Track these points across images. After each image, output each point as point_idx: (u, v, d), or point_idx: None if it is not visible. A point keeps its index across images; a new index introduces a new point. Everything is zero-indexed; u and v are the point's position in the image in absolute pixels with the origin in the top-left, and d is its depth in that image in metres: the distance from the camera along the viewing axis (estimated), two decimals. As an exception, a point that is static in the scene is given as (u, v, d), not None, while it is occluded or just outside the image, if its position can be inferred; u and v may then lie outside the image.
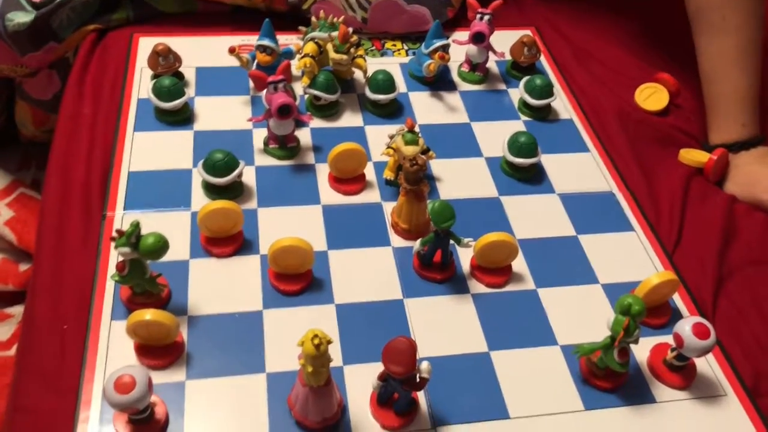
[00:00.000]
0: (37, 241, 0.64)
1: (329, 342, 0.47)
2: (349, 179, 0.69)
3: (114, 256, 0.60)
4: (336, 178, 0.69)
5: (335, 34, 0.75)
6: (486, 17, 0.80)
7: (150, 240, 0.53)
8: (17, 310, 0.97)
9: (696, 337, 0.54)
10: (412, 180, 0.62)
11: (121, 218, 0.64)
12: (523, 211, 0.70)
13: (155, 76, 0.76)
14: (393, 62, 0.86)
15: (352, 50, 0.75)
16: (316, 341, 0.47)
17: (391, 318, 0.59)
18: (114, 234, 0.53)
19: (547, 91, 0.79)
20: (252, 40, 0.86)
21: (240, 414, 0.52)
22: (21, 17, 0.82)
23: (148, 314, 0.51)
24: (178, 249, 0.62)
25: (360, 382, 0.54)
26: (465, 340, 0.58)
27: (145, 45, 0.83)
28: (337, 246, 0.64)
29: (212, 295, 0.59)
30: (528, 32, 0.92)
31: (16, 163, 1.17)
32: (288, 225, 0.65)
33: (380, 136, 0.74)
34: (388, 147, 0.69)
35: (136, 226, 0.53)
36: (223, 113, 0.75)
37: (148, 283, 0.56)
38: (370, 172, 0.71)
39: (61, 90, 1.01)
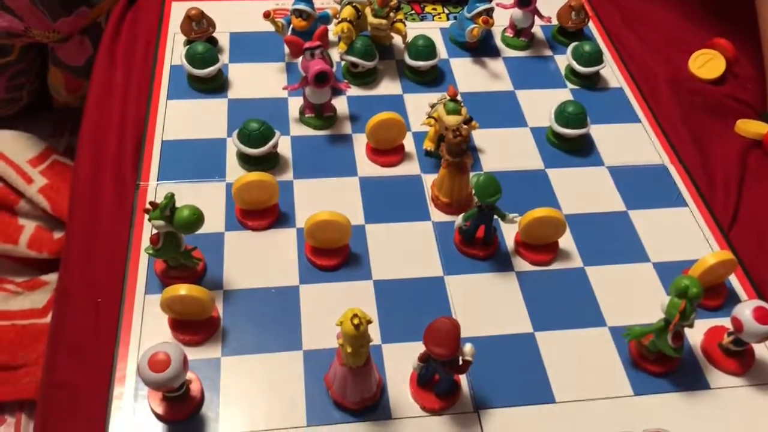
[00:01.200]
0: (70, 211, 0.63)
1: (369, 322, 0.45)
2: (387, 150, 0.67)
3: (148, 228, 0.59)
4: (374, 149, 0.67)
5: (374, -3, 0.71)
6: (533, -20, 0.76)
7: (185, 213, 0.51)
8: (52, 278, 0.97)
9: (757, 322, 0.51)
10: (455, 152, 0.59)
11: (155, 188, 0.62)
12: (571, 184, 0.67)
13: (188, 42, 0.74)
14: (433, 27, 0.82)
15: (391, 14, 0.72)
16: (356, 321, 0.45)
17: (431, 296, 0.57)
18: (148, 206, 0.51)
19: (596, 58, 0.75)
20: (287, 3, 0.83)
21: (276, 393, 0.50)
22: (52, -19, 0.80)
23: (183, 289, 0.50)
24: (213, 221, 0.60)
25: (399, 362, 0.53)
26: (508, 321, 0.56)
27: (178, 10, 0.80)
28: (374, 220, 0.62)
29: (248, 269, 0.58)
30: (575, -5, 0.88)
31: (49, 130, 1.16)
32: (324, 197, 0.63)
33: (420, 105, 0.71)
34: (429, 116, 0.66)
35: (170, 198, 0.51)
36: (258, 81, 0.73)
37: (182, 256, 0.54)
38: (409, 143, 0.68)
39: (93, 55, 1.00)
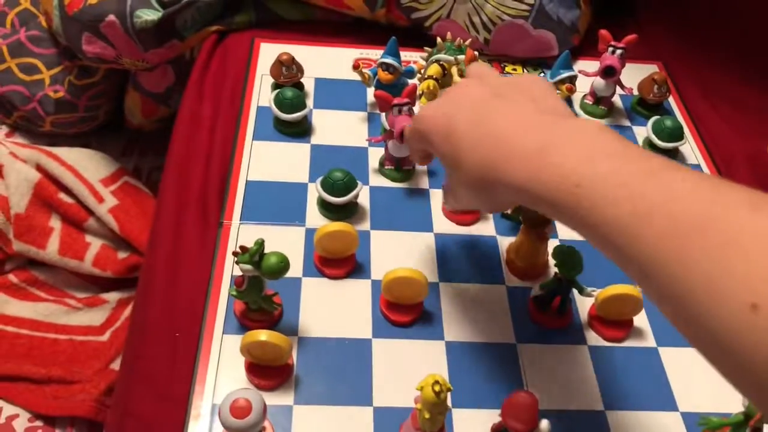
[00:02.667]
0: (151, 243, 0.65)
1: (449, 390, 0.46)
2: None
3: (229, 266, 0.60)
4: None
5: (461, 57, 0.73)
6: (618, 51, 0.76)
7: (273, 260, 0.52)
8: (112, 297, 0.99)
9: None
10: (536, 222, 0.59)
11: (238, 228, 0.64)
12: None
13: (276, 86, 0.76)
14: (512, 88, 0.83)
15: (477, 75, 0.73)
16: (437, 388, 0.45)
17: (503, 362, 0.57)
18: (237, 250, 0.53)
19: (677, 134, 0.75)
20: (371, 53, 0.85)
21: (346, 447, 0.51)
22: (149, 15, 0.84)
23: (264, 335, 0.51)
24: (292, 266, 0.60)
25: (469, 429, 0.52)
26: (580, 395, 0.56)
27: (266, 51, 0.83)
28: (449, 278, 0.62)
29: (323, 317, 0.58)
30: (655, 67, 0.88)
31: (119, 150, 1.20)
32: (400, 251, 0.64)
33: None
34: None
35: (260, 244, 0.52)
36: (341, 128, 0.75)
37: (264, 301, 0.55)
38: (486, 204, 0.69)
39: (174, 84, 1.03)
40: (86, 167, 1.02)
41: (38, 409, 0.87)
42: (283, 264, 0.52)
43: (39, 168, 1.00)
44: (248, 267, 0.52)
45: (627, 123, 0.81)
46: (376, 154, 0.72)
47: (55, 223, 1.00)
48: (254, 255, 0.52)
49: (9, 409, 0.88)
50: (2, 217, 0.96)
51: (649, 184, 0.35)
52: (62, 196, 1.00)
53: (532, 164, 0.40)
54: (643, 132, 0.78)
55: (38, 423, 0.87)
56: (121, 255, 1.00)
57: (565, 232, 0.67)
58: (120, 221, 0.98)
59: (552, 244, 0.60)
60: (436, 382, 0.45)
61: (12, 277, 0.99)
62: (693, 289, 0.31)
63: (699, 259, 0.31)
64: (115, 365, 0.92)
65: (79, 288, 1.01)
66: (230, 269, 0.60)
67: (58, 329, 0.95)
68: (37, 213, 0.98)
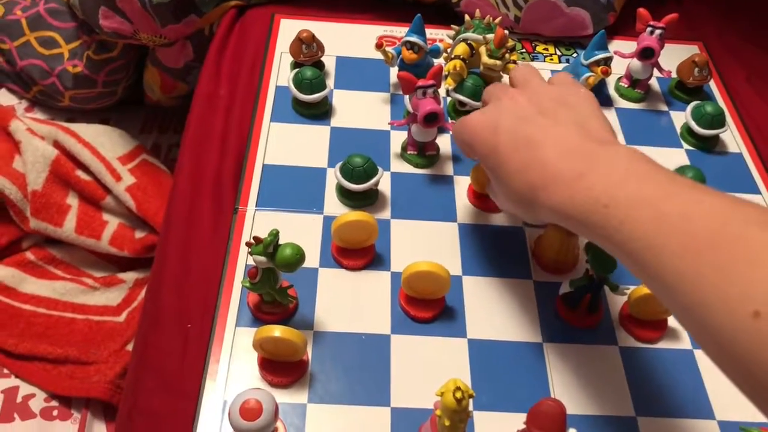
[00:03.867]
0: (164, 228, 0.62)
1: (471, 396, 0.43)
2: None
3: (243, 255, 0.58)
4: (477, 192, 0.64)
5: (490, 36, 0.69)
6: (657, 31, 0.72)
7: (287, 252, 0.49)
8: (129, 276, 0.98)
9: None
10: (569, 213, 0.56)
11: (253, 214, 0.61)
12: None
13: (296, 65, 0.73)
14: (544, 68, 0.79)
15: (506, 55, 0.69)
16: (458, 395, 0.42)
17: (529, 363, 0.54)
18: (251, 240, 0.50)
19: (718, 120, 0.70)
20: (395, 31, 0.81)
21: (361, 449, 0.48)
22: (166, -11, 0.81)
23: (278, 330, 0.48)
24: (309, 256, 0.57)
25: (491, 432, 0.50)
26: (609, 400, 0.53)
27: (286, 27, 0.80)
28: (472, 272, 0.59)
29: (340, 310, 0.56)
30: (695, 48, 0.83)
31: (138, 126, 1.19)
32: (421, 241, 0.61)
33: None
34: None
35: (275, 235, 0.49)
36: (362, 110, 0.71)
37: (278, 293, 0.53)
38: (513, 192, 0.65)
39: (193, 60, 1.00)
40: (104, 144, 1.00)
41: (54, 389, 0.87)
42: (299, 256, 0.50)
43: (56, 144, 0.98)
44: (262, 259, 0.50)
45: (664, 108, 0.76)
46: (398, 138, 0.69)
47: (72, 200, 0.98)
48: (268, 246, 0.49)
49: (25, 389, 0.87)
50: (19, 194, 0.95)
51: (669, 204, 0.39)
52: (80, 173, 0.98)
53: (569, 189, 0.43)
54: (681, 117, 0.74)
55: (54, 403, 0.87)
56: (138, 234, 0.98)
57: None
58: (137, 200, 0.97)
59: (583, 240, 0.57)
60: (458, 388, 0.42)
61: (29, 255, 0.98)
62: (704, 299, 0.35)
63: (710, 272, 0.35)
64: (131, 347, 0.91)
65: (96, 267, 0.99)
66: (244, 258, 0.58)
67: (75, 308, 0.94)
68: (54, 190, 0.97)
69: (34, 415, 0.85)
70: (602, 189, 0.42)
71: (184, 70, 1.03)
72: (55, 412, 0.86)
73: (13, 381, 0.88)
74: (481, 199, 0.64)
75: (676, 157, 0.71)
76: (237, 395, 0.44)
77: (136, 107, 1.19)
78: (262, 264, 0.50)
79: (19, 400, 0.86)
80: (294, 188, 0.63)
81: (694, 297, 0.35)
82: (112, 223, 0.98)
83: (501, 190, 0.50)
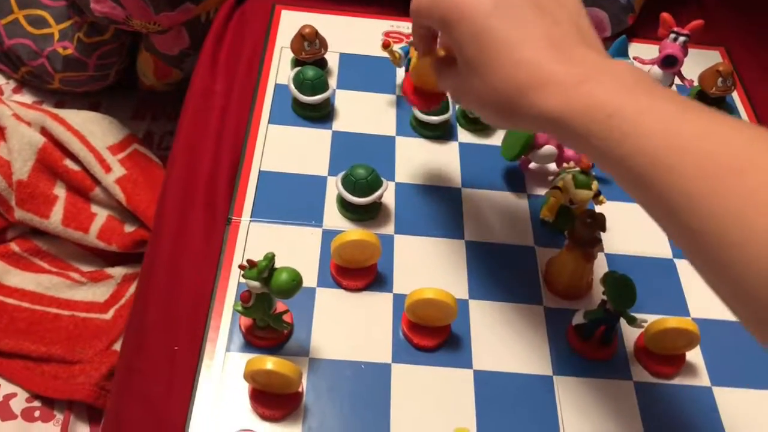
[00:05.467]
0: (153, 237, 0.59)
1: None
2: (499, 213, 0.61)
3: (236, 272, 0.54)
4: (417, 88, 0.56)
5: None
6: (681, 38, 0.68)
7: (284, 277, 0.46)
8: (117, 272, 0.94)
9: None
10: (586, 241, 0.52)
11: (247, 226, 0.57)
12: (702, 281, 0.59)
13: (297, 62, 0.69)
14: (558, 72, 0.75)
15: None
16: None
17: (538, 397, 0.51)
18: (244, 263, 0.46)
19: (742, 135, 0.66)
20: (402, 26, 0.77)
21: (358, 492, 0.45)
22: (161, -26, 0.76)
23: (270, 363, 0.45)
24: (306, 274, 0.54)
25: (496, 475, 0.47)
26: (622, 440, 0.50)
27: (287, 19, 0.75)
28: (479, 296, 0.56)
29: (338, 335, 0.52)
30: (717, 53, 0.79)
31: (130, 111, 1.14)
32: (426, 260, 0.57)
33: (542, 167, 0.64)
34: (554, 187, 0.59)
35: (270, 259, 0.46)
36: (366, 113, 0.67)
37: (273, 319, 0.49)
38: (523, 209, 0.62)
39: (188, 47, 0.96)
40: (94, 132, 0.96)
41: (37, 389, 0.83)
42: (295, 282, 0.46)
43: (44, 132, 0.94)
44: (256, 284, 0.46)
45: (684, 118, 0.72)
46: (405, 144, 0.65)
47: (60, 191, 0.94)
48: (263, 271, 0.46)
49: (7, 388, 0.84)
50: (4, 183, 0.91)
51: (685, 120, 0.35)
52: (68, 162, 0.94)
53: (565, 93, 0.38)
54: (702, 130, 0.70)
55: (36, 403, 0.83)
56: (128, 228, 0.94)
57: (610, 243, 0.60)
58: (127, 193, 0.92)
59: (598, 264, 0.54)
60: (465, 436, 0.39)
61: (14, 246, 0.94)
62: (722, 228, 0.32)
63: (733, 198, 0.31)
64: (118, 346, 0.88)
65: (83, 260, 0.95)
66: (237, 275, 0.54)
67: (61, 304, 0.90)
68: (41, 180, 0.93)
69: (14, 416, 0.82)
70: (607, 97, 0.37)
71: (179, 57, 0.98)
72: (36, 413, 0.83)
73: (-7, 379, 0.84)
74: (423, 96, 0.55)
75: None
76: (225, 437, 0.41)
77: (129, 91, 1.14)
78: (256, 289, 0.47)
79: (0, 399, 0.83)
80: (292, 198, 0.60)
81: (710, 225, 0.32)
82: (101, 216, 0.94)
83: (476, 84, 0.42)
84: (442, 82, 0.48)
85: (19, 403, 0.83)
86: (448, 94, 0.50)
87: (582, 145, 0.39)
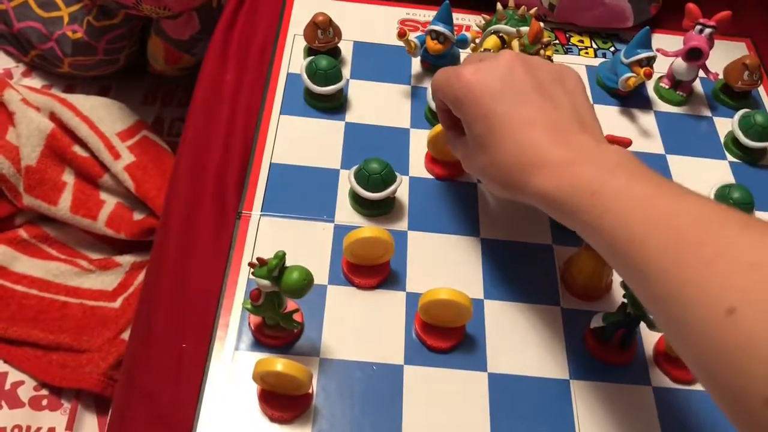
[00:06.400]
0: (161, 231, 0.57)
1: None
2: (516, 210, 0.59)
3: (246, 268, 0.53)
4: (435, 158, 0.60)
5: (524, 30, 0.63)
6: (707, 30, 0.65)
7: (294, 276, 0.44)
8: (126, 260, 0.93)
9: None
10: (607, 241, 0.50)
11: (258, 220, 0.56)
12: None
13: (310, 51, 0.67)
14: (578, 62, 0.73)
15: (541, 52, 0.63)
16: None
17: (554, 401, 0.50)
18: (254, 261, 0.45)
19: (768, 132, 0.64)
20: (418, 14, 0.75)
21: (368, 497, 0.44)
22: (172, -43, 0.74)
23: (280, 365, 0.43)
24: (317, 270, 0.52)
25: (510, 482, 0.45)
26: (640, 447, 0.48)
27: (301, 6, 0.73)
28: (495, 296, 0.54)
29: (349, 334, 0.51)
30: (743, 45, 0.77)
31: (140, 96, 1.12)
32: (441, 258, 0.56)
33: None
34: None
35: (280, 258, 0.44)
36: (380, 104, 0.65)
37: (282, 318, 0.48)
38: (542, 205, 0.60)
39: (198, 32, 0.94)
40: (103, 118, 0.94)
41: (44, 378, 0.83)
42: (306, 282, 0.45)
43: (53, 117, 0.93)
44: (266, 282, 0.45)
45: (708, 113, 0.70)
46: (418, 137, 0.63)
47: (68, 177, 0.93)
48: (273, 270, 0.44)
49: (14, 375, 0.83)
50: (12, 169, 0.90)
51: (656, 200, 0.39)
52: (76, 149, 0.93)
53: (557, 174, 0.43)
54: (726, 124, 0.68)
55: (44, 392, 0.83)
56: (137, 216, 0.93)
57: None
58: (136, 180, 0.91)
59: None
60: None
61: (22, 232, 0.93)
62: (682, 293, 0.36)
63: (692, 267, 0.36)
64: (126, 335, 0.87)
65: (91, 248, 0.95)
66: (247, 271, 0.53)
67: (69, 291, 0.90)
68: (50, 166, 0.92)
69: (22, 404, 0.82)
70: (591, 176, 0.42)
71: (190, 42, 0.97)
72: (44, 402, 0.82)
73: (1, 366, 0.84)
74: (440, 165, 0.61)
75: (719, 169, 0.65)
76: (233, 442, 0.40)
77: (139, 75, 1.13)
78: (266, 288, 0.45)
79: (7, 387, 0.83)
80: (303, 192, 0.58)
81: (672, 290, 0.36)
82: (110, 203, 0.93)
83: (482, 159, 0.48)
84: (454, 150, 0.53)
85: (26, 391, 0.82)
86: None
87: (571, 221, 0.43)
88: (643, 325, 0.52)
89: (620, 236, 0.39)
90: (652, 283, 0.37)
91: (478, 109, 0.47)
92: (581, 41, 0.75)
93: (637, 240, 0.38)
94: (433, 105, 0.62)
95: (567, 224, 0.44)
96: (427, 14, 0.74)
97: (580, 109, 0.47)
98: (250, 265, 0.45)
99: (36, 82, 1.06)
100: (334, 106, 0.64)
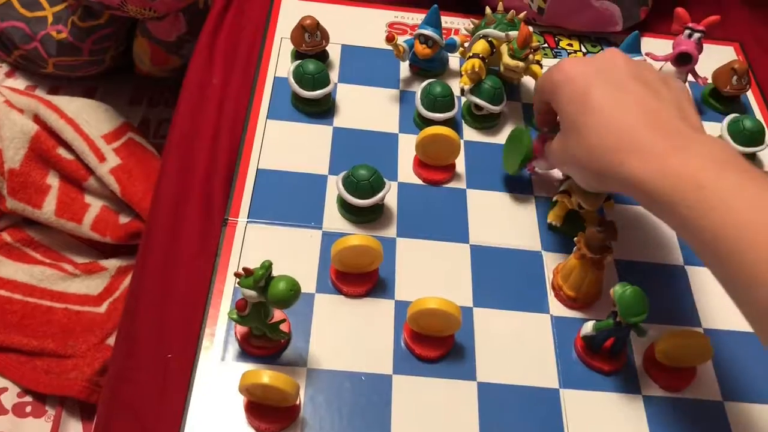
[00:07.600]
0: (146, 237, 0.56)
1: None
2: (506, 216, 0.58)
3: (232, 277, 0.52)
4: (422, 162, 0.60)
5: (513, 34, 0.62)
6: (696, 35, 0.65)
7: (281, 286, 0.44)
8: (112, 264, 0.92)
9: None
10: (597, 248, 0.50)
11: (244, 227, 0.55)
12: (714, 290, 0.57)
13: (297, 54, 0.66)
14: (567, 67, 0.72)
15: (530, 56, 0.63)
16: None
17: (544, 410, 0.49)
18: (240, 271, 0.44)
19: (757, 138, 0.64)
20: (407, 17, 0.74)
21: None
22: (157, -41, 0.73)
23: (266, 377, 0.43)
24: (304, 279, 0.52)
25: (500, 493, 0.45)
26: (630, 457, 0.48)
27: (288, 8, 0.72)
28: (484, 303, 0.54)
29: (337, 344, 0.50)
30: (731, 49, 0.77)
31: (127, 97, 1.11)
32: (430, 265, 0.55)
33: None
34: (562, 191, 0.57)
35: (266, 268, 0.44)
36: (368, 108, 0.65)
37: (269, 329, 0.47)
38: (530, 214, 0.60)
39: (185, 33, 0.93)
40: (88, 121, 0.93)
41: (28, 384, 0.82)
42: (293, 292, 0.44)
43: (37, 119, 0.91)
44: (252, 293, 0.44)
45: (697, 117, 0.70)
46: (407, 141, 0.63)
47: (53, 180, 0.92)
48: (259, 280, 0.44)
49: (-2, 382, 0.82)
50: (-5, 172, 0.88)
51: None
52: (61, 151, 0.91)
53: (657, 161, 0.41)
54: (715, 129, 0.68)
55: (28, 398, 0.82)
56: (123, 219, 0.92)
57: (620, 250, 0.58)
58: (122, 183, 0.90)
59: (608, 271, 0.52)
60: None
61: (6, 236, 0.92)
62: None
63: None
64: (111, 340, 0.86)
65: (76, 252, 0.93)
66: (232, 281, 0.52)
67: (54, 296, 0.88)
68: (34, 169, 0.90)
69: (5, 411, 0.80)
70: (697, 170, 0.40)
71: (176, 43, 0.95)
72: (28, 408, 0.81)
73: (-15, 373, 0.82)
74: (428, 169, 0.61)
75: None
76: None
77: (125, 76, 1.11)
78: (253, 298, 0.45)
79: (-9, 394, 0.81)
80: (290, 198, 0.57)
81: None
82: (95, 207, 0.92)
83: (573, 144, 0.47)
84: (547, 150, 0.53)
85: (10, 398, 0.81)
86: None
87: (665, 212, 0.41)
88: (633, 333, 0.52)
89: (727, 236, 0.37)
90: (762, 286, 0.36)
91: (573, 89, 0.46)
92: (570, 45, 0.75)
93: (746, 241, 0.37)
94: (422, 109, 0.62)
95: (656, 214, 0.43)
96: (415, 17, 0.73)
97: (682, 101, 0.45)
98: (236, 275, 0.45)
99: (20, 82, 1.05)
100: (321, 110, 0.63)
